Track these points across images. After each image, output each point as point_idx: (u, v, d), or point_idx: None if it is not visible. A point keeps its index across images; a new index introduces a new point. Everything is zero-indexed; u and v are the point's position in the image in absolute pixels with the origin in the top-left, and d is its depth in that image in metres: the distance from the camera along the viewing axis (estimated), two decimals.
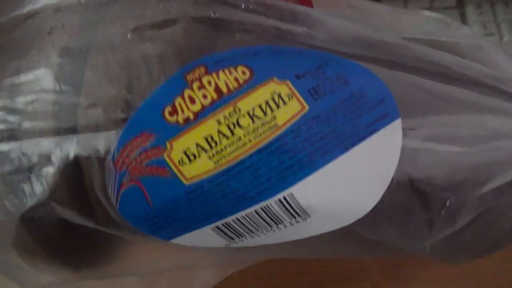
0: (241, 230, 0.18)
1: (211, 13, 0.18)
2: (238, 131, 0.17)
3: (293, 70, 0.18)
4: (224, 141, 0.17)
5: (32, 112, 0.18)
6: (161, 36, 0.17)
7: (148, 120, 0.17)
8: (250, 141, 0.17)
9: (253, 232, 0.19)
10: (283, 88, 0.17)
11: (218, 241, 0.19)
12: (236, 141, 0.17)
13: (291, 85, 0.18)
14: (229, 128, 0.17)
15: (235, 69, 0.17)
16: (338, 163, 0.17)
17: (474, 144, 0.18)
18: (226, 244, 0.19)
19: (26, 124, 0.18)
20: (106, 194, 0.18)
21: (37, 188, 0.18)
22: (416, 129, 0.18)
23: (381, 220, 0.18)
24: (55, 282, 0.20)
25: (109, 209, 0.18)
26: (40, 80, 0.18)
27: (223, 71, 0.17)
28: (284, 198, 0.17)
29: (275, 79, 0.18)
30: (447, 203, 0.18)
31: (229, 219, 0.18)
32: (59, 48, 0.18)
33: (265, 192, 0.17)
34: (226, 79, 0.17)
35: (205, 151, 0.17)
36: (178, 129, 0.17)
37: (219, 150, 0.17)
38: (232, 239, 0.19)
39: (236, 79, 0.17)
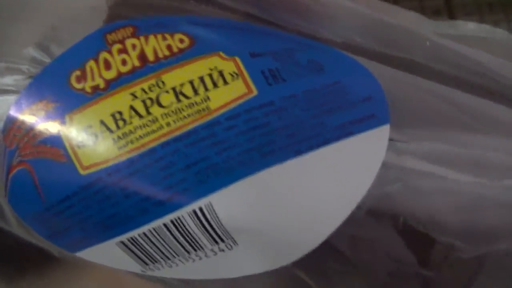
0: (153, 252, 0.13)
1: None
2: (155, 110, 0.13)
3: (248, 46, 0.14)
4: (136, 121, 0.13)
5: None
6: None
7: (50, 84, 0.13)
8: (168, 124, 0.12)
9: (168, 258, 0.13)
10: (228, 65, 0.13)
11: (131, 263, 0.14)
12: (151, 123, 0.13)
13: (239, 63, 0.13)
14: (145, 104, 0.13)
15: (171, 35, 0.13)
16: (283, 170, 0.12)
17: (503, 177, 0.12)
18: (142, 270, 0.14)
19: None
20: None
21: None
22: (413, 142, 0.13)
23: (342, 266, 0.12)
24: None
25: (0, 198, 0.15)
26: None
27: (155, 36, 0.13)
28: (200, 209, 0.12)
29: (221, 53, 0.13)
30: (454, 256, 0.12)
31: (135, 233, 0.13)
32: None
33: (176, 198, 0.12)
34: (156, 45, 0.13)
35: (110, 131, 0.13)
36: (83, 100, 0.13)
37: (127, 132, 0.13)
38: (146, 263, 0.14)
39: (168, 47, 0.13)
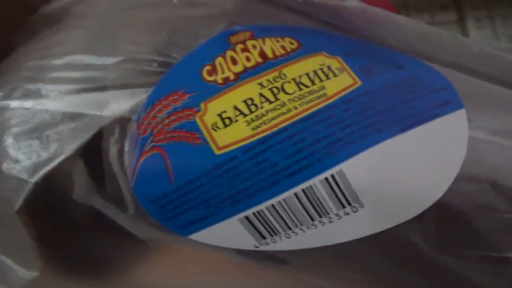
0: (276, 224, 0.15)
1: None
2: (282, 96, 0.15)
3: (343, 49, 0.17)
4: (266, 105, 0.15)
5: (61, 73, 0.16)
6: (210, 2, 0.16)
7: (184, 77, 0.15)
8: (295, 107, 0.15)
9: (290, 228, 0.15)
10: (333, 62, 0.16)
11: (246, 239, 0.16)
12: (280, 107, 0.15)
13: (341, 60, 0.16)
14: (272, 92, 0.15)
15: (282, 39, 0.16)
16: (395, 142, 0.15)
17: None
18: (255, 246, 0.16)
19: (53, 84, 0.16)
20: (122, 165, 0.16)
21: (52, 148, 0.15)
22: (481, 120, 0.16)
23: (452, 222, 0.14)
24: (40, 283, 0.16)
25: (122, 185, 0.16)
26: (73, 40, 0.17)
27: (270, 38, 0.16)
28: (332, 176, 0.14)
29: (325, 53, 0.16)
30: None
31: (263, 206, 0.15)
32: (99, 12, 0.17)
33: (309, 168, 0.14)
34: (272, 45, 0.16)
35: (243, 115, 0.15)
36: (215, 89, 0.15)
37: (259, 115, 0.15)
38: (264, 237, 0.16)
39: (283, 47, 0.16)
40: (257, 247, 0.16)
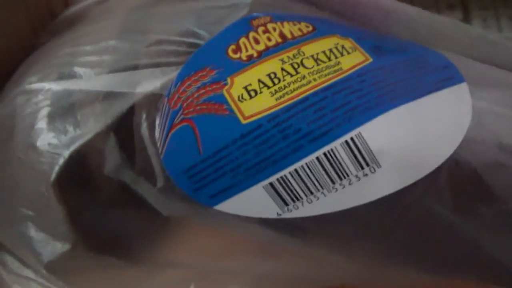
0: (298, 189, 0.16)
1: None
2: (302, 70, 0.16)
3: (353, 33, 0.18)
4: (288, 78, 0.16)
5: (95, 57, 0.18)
6: None
7: (211, 56, 0.17)
8: (314, 80, 0.16)
9: (311, 193, 0.16)
10: (346, 42, 0.17)
11: (269, 207, 0.17)
12: (300, 79, 0.16)
13: (353, 41, 0.18)
14: (293, 66, 0.16)
15: (299, 23, 0.18)
16: (408, 108, 0.16)
17: None
18: (278, 214, 0.17)
19: (87, 67, 0.17)
20: (153, 138, 0.16)
21: (85, 124, 0.16)
22: (482, 93, 0.17)
23: (465, 179, 0.16)
24: (72, 258, 0.17)
25: (152, 158, 0.17)
26: (105, 29, 0.18)
27: (288, 22, 0.18)
28: (352, 139, 0.15)
29: (338, 35, 0.18)
30: None
31: (286, 172, 0.16)
32: (127, 6, 0.19)
33: (330, 132, 0.15)
34: (290, 28, 0.17)
35: (267, 87, 0.16)
36: (240, 66, 0.16)
37: (282, 87, 0.16)
38: (286, 204, 0.16)
39: (300, 29, 0.17)
40: (280, 214, 0.17)
